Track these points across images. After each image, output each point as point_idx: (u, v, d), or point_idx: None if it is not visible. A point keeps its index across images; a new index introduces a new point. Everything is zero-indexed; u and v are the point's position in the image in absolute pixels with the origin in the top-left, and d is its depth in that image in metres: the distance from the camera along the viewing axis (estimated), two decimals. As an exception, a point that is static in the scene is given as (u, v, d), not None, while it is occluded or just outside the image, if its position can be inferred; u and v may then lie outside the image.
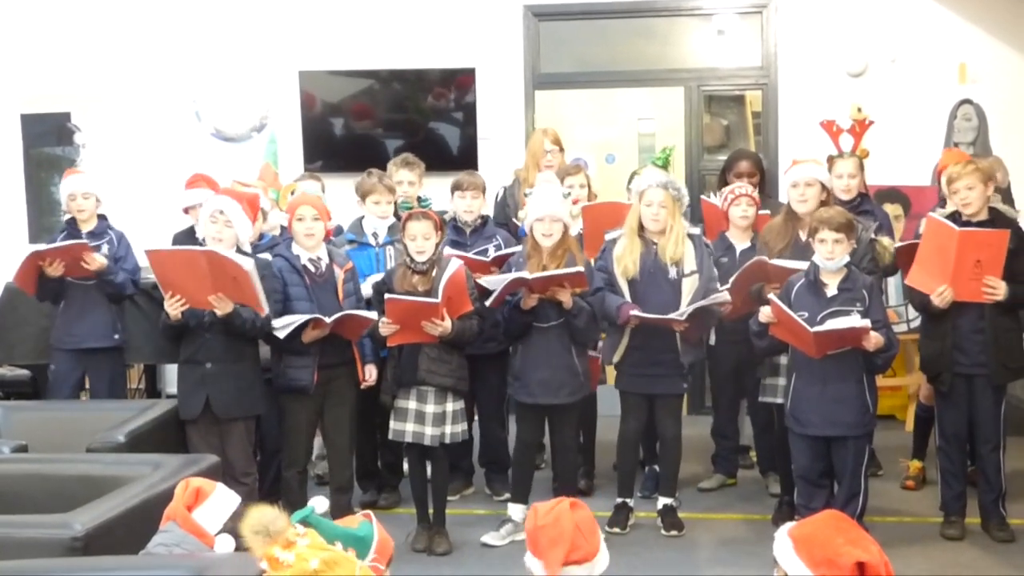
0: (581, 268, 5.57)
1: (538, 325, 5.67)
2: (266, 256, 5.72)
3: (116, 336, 6.51)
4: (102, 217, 6.57)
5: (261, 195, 6.23)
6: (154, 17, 8.61)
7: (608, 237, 5.92)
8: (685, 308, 5.58)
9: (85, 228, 6.49)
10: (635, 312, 5.62)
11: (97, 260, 6.28)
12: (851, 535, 3.14)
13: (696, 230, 5.86)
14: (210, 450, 5.25)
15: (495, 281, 5.60)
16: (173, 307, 5.32)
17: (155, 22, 8.61)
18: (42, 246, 6.42)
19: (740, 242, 6.25)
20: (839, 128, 6.73)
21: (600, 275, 5.78)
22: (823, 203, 5.76)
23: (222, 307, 5.29)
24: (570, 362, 5.72)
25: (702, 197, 6.77)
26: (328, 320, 5.48)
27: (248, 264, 5.22)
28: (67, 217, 6.62)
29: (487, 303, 5.63)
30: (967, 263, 5.38)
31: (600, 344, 6.05)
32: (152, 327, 6.47)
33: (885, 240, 5.91)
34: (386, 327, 5.48)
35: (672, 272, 5.69)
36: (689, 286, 5.68)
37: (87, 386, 6.63)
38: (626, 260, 5.72)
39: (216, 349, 5.44)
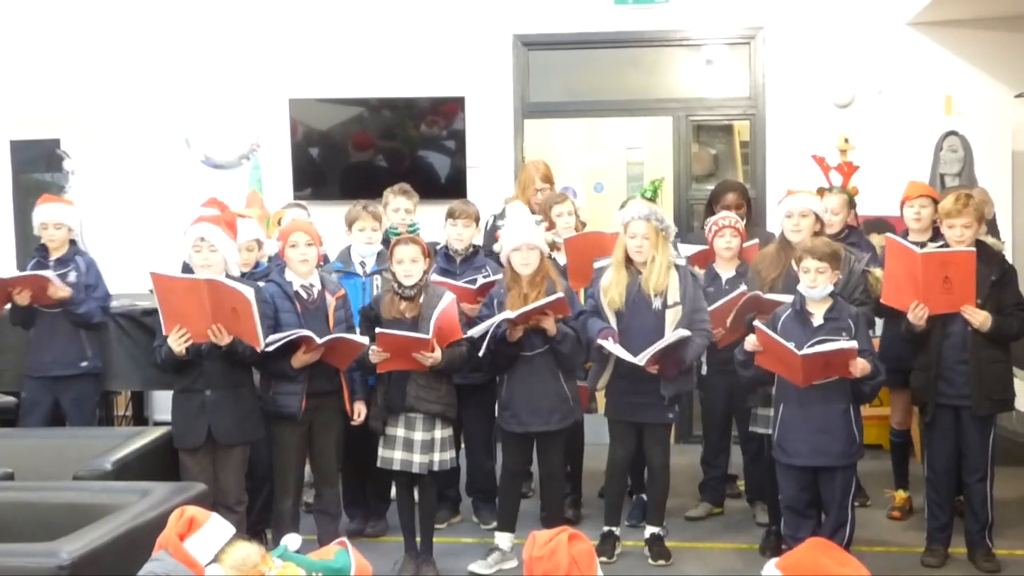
0: (561, 294, 5.58)
1: (524, 354, 5.69)
2: (259, 284, 5.71)
3: (84, 363, 6.54)
4: (73, 243, 6.63)
5: (256, 224, 6.24)
6: (144, 44, 8.64)
7: (597, 266, 5.94)
8: (643, 353, 5.55)
9: (55, 255, 6.56)
10: (601, 342, 5.62)
11: (60, 291, 6.36)
12: (838, 557, 3.19)
13: (682, 261, 5.86)
14: (205, 479, 5.22)
15: (480, 329, 5.60)
16: (178, 343, 5.27)
17: (145, 49, 8.64)
18: (7, 274, 6.49)
19: (725, 271, 6.28)
20: (828, 166, 6.81)
21: (589, 302, 5.80)
22: (817, 234, 5.79)
23: (220, 340, 5.26)
24: (559, 388, 5.73)
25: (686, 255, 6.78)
26: (319, 341, 5.47)
27: (249, 292, 5.19)
28: (39, 243, 6.65)
29: (479, 354, 5.62)
30: (935, 282, 5.41)
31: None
32: (142, 353, 6.48)
33: (877, 271, 5.93)
34: (376, 355, 5.49)
35: (656, 303, 5.70)
36: (672, 317, 5.67)
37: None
38: (612, 292, 5.72)
39: (214, 376, 5.40)
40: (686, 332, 5.59)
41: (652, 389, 5.73)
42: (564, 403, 5.75)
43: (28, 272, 6.44)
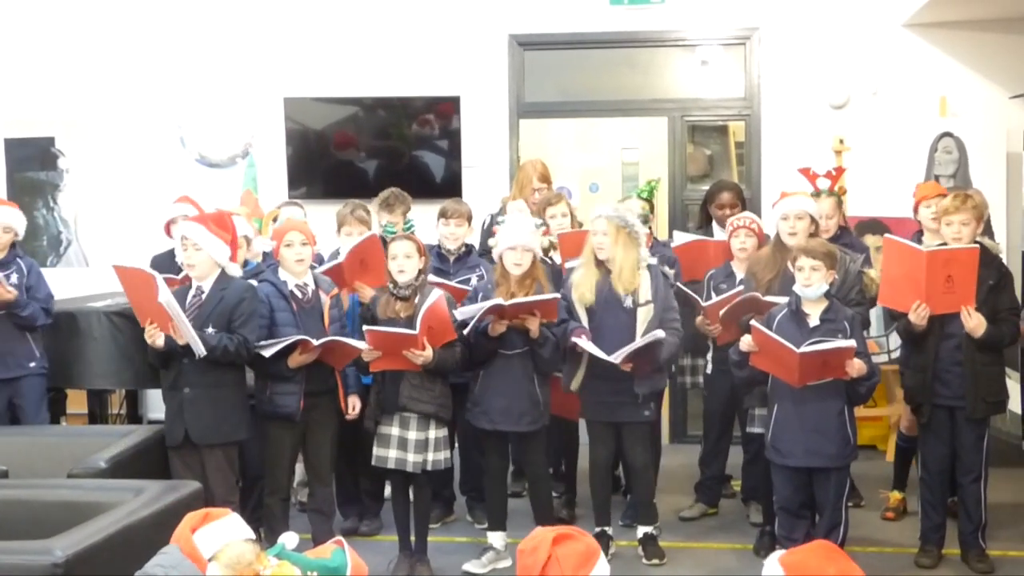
0: (557, 295, 5.60)
1: (503, 352, 5.71)
2: (252, 282, 5.71)
3: (32, 364, 6.52)
4: (14, 246, 6.62)
5: (244, 222, 6.23)
6: (139, 42, 8.63)
7: (568, 265, 5.97)
8: (619, 352, 5.57)
9: None
10: (576, 339, 5.64)
11: (5, 293, 6.34)
12: (841, 565, 3.19)
13: (653, 260, 5.87)
14: (191, 477, 5.21)
15: (471, 311, 5.63)
16: (151, 336, 5.29)
17: (140, 47, 8.63)
18: None
19: (741, 271, 6.26)
20: (815, 174, 6.87)
21: (562, 303, 5.79)
22: (813, 235, 5.80)
23: (178, 337, 5.25)
24: (531, 391, 5.75)
25: (673, 246, 6.78)
26: (316, 343, 5.47)
27: (164, 295, 5.15)
28: None
29: (464, 332, 5.64)
30: (938, 281, 5.40)
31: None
32: (135, 351, 6.46)
33: (872, 272, 5.95)
34: (369, 353, 5.49)
35: (627, 301, 5.71)
36: (644, 316, 5.68)
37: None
38: (583, 287, 5.75)
39: (194, 374, 5.39)
40: (661, 333, 5.60)
41: (627, 388, 5.74)
42: (535, 407, 5.77)
43: None
